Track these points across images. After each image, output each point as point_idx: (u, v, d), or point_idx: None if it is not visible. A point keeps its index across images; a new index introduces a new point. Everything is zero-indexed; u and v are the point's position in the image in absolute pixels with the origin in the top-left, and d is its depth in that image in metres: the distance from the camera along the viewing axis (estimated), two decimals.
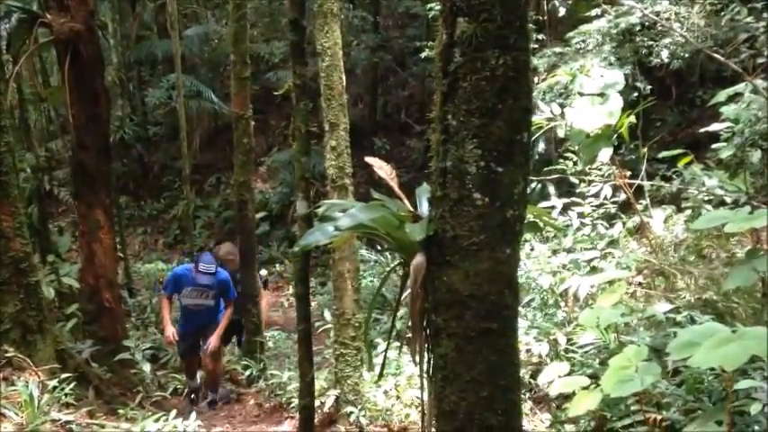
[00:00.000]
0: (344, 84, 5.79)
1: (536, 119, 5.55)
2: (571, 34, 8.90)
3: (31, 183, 10.73)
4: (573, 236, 6.84)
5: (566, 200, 7.09)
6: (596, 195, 6.91)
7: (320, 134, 6.04)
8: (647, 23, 8.15)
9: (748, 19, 7.37)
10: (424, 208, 2.60)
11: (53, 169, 15.63)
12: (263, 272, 9.76)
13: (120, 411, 5.67)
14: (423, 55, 11.44)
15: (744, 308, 4.75)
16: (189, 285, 7.16)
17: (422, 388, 2.67)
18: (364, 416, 5.66)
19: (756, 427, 3.46)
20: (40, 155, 12.60)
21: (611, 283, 4.77)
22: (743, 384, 3.47)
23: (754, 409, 3.38)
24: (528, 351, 5.44)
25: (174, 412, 5.19)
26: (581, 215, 6.98)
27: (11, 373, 5.23)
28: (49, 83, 14.12)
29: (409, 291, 2.46)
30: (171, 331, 7.10)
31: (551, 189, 7.32)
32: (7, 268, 5.49)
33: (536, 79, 7.71)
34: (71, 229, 13.45)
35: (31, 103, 13.87)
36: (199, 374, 7.62)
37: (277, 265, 14.31)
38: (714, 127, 5.78)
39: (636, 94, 8.17)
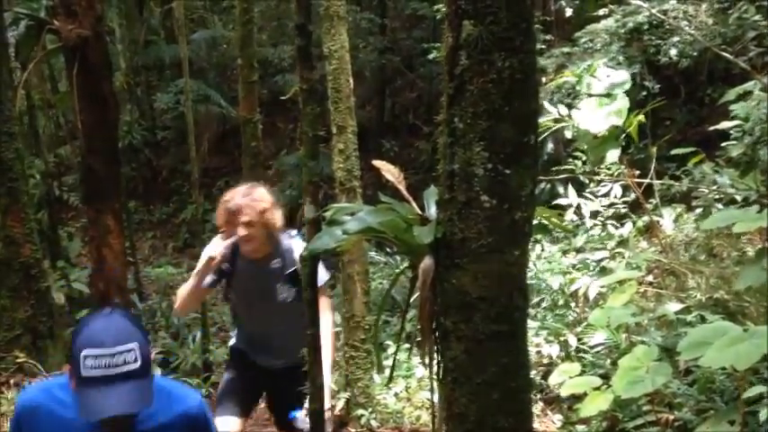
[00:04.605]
0: (352, 87, 5.78)
1: (543, 120, 5.53)
2: (578, 34, 8.90)
3: (41, 188, 10.79)
4: (582, 236, 6.82)
5: (575, 200, 7.06)
6: (606, 195, 6.89)
7: (327, 137, 6.04)
8: (654, 22, 8.14)
9: (756, 17, 7.35)
10: (432, 210, 2.58)
11: (62, 175, 15.69)
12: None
13: None
14: (430, 56, 11.45)
15: (755, 307, 4.72)
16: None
17: (432, 391, 2.66)
18: (375, 418, 5.64)
19: None
20: (50, 161, 12.65)
21: (621, 282, 4.74)
22: (754, 390, 3.45)
23: (763, 414, 3.35)
24: (538, 352, 5.42)
25: None
26: (591, 215, 6.95)
27: (22, 379, 5.25)
28: (57, 89, 14.18)
29: (418, 293, 2.46)
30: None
31: (561, 189, 7.30)
32: (17, 274, 5.52)
33: (543, 80, 7.71)
34: (81, 234, 13.49)
35: (39, 110, 13.91)
36: None
37: None
38: (724, 125, 5.76)
39: (644, 94, 8.15)
